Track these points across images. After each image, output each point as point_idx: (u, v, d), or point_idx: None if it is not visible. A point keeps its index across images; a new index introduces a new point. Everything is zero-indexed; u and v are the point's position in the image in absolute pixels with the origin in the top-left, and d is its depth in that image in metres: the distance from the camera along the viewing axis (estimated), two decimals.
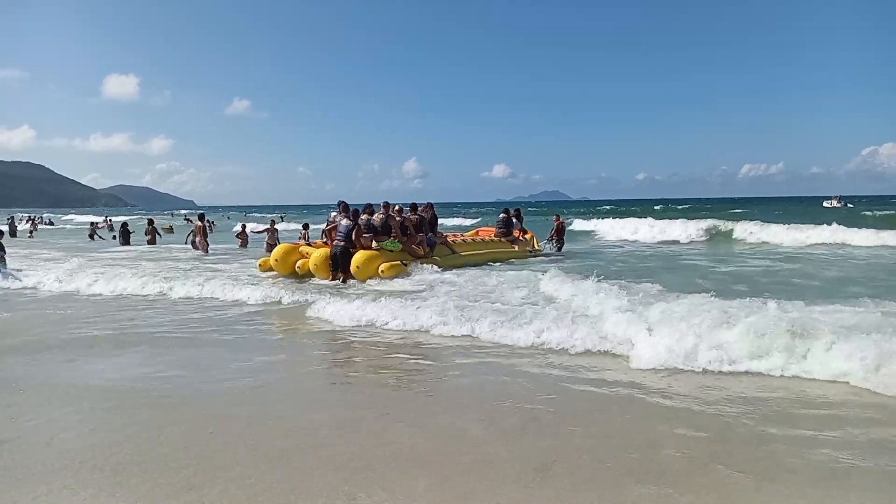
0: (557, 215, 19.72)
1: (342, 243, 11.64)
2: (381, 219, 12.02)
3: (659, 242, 23.78)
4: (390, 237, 11.97)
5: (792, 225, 22.34)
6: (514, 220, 16.81)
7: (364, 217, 12.37)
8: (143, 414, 4.49)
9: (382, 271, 11.21)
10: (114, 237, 24.97)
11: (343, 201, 13.27)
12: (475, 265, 13.45)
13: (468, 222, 45.08)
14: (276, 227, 20.20)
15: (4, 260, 14.44)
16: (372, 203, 12.85)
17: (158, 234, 25.21)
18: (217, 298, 10.09)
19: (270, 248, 17.62)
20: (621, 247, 22.27)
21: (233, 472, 3.44)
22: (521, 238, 16.54)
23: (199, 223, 19.63)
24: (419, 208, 13.44)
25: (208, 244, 19.24)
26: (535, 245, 17.38)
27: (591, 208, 68.23)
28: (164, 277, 11.44)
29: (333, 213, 13.30)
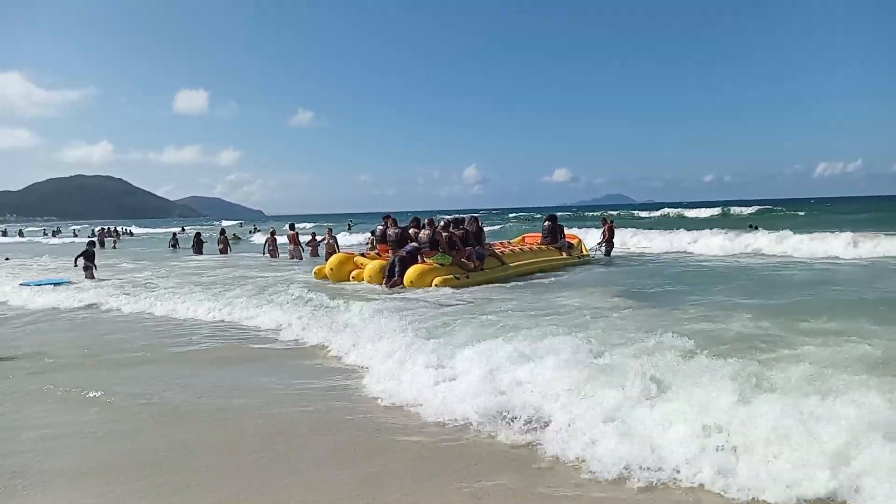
0: (605, 219, 19.61)
1: (403, 255, 12.25)
2: (427, 235, 12.53)
3: (727, 255, 18.78)
4: (438, 252, 12.41)
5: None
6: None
7: (412, 231, 13.17)
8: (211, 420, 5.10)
9: (436, 284, 11.54)
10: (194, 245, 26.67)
11: (389, 215, 14.43)
12: (525, 275, 13.58)
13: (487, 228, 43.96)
14: (333, 235, 21.30)
15: (92, 270, 15.73)
16: (419, 215, 13.54)
17: (230, 244, 26.76)
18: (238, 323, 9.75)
19: (329, 254, 18.94)
20: (677, 257, 19.17)
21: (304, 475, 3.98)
22: (569, 244, 16.65)
23: (291, 232, 21.51)
24: (466, 221, 13.87)
25: (302, 250, 21.30)
26: (584, 250, 17.32)
27: (655, 210, 65.75)
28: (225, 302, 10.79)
29: (380, 227, 14.28)
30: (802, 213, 50.92)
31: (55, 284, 14.30)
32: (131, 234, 60.80)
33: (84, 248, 16.64)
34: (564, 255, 16.04)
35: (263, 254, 22.14)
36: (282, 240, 22.84)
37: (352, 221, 69.14)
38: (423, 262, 12.31)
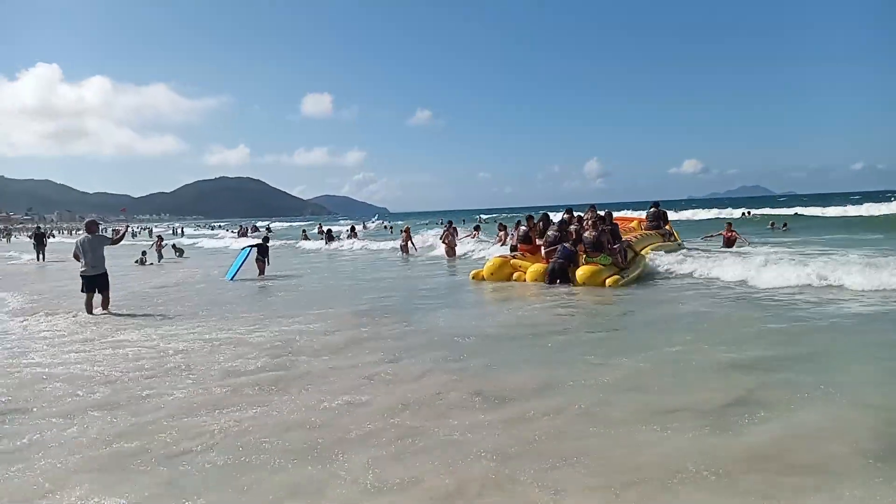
0: (729, 224, 20.31)
1: (562, 261, 12.57)
2: (593, 237, 12.70)
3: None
4: (602, 254, 12.60)
5: None
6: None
7: (550, 233, 13.63)
8: None
9: (609, 285, 11.83)
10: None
11: (531, 215, 15.39)
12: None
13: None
14: (455, 228, 21.99)
15: (265, 263, 17.02)
16: (540, 211, 13.74)
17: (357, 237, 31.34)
18: None
19: (450, 248, 20.58)
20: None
21: None
22: (668, 231, 17.64)
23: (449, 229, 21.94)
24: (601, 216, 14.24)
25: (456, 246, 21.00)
26: (677, 237, 18.16)
27: (796, 205, 59.82)
28: None
29: (523, 228, 15.28)
30: None
31: (243, 261, 16.56)
32: (269, 229, 65.30)
33: (264, 242, 17.65)
34: (669, 241, 16.87)
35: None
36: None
37: (479, 217, 70.80)
38: (587, 262, 12.62)
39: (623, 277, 12.21)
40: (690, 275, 12.70)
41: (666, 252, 14.63)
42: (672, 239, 17.48)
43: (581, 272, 12.24)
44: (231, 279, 15.82)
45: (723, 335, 7.24)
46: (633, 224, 17.92)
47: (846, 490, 3.35)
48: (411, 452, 4.04)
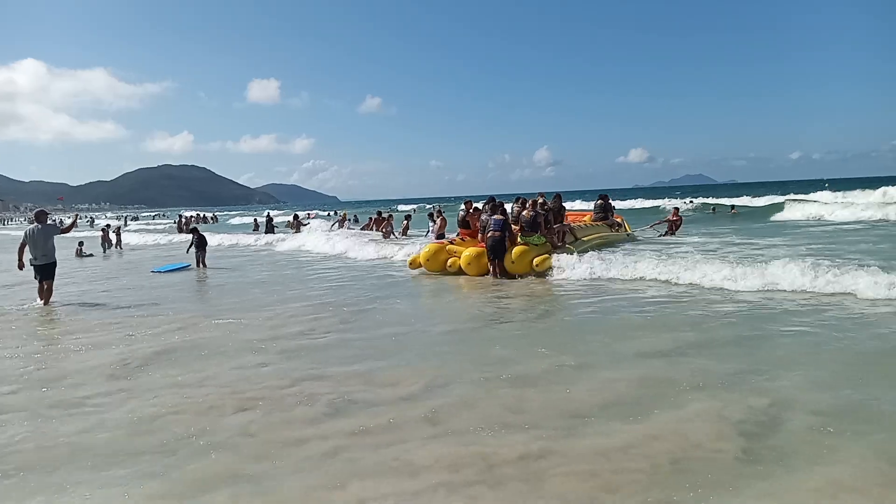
0: (676, 209, 21.34)
1: (497, 232, 12.04)
2: (531, 216, 12.40)
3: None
4: (537, 233, 12.37)
5: None
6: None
7: (484, 217, 13.03)
8: None
9: (537, 265, 11.76)
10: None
11: (469, 200, 15.13)
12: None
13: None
14: (389, 218, 22.76)
15: (204, 257, 16.33)
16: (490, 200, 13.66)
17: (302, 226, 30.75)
18: None
19: (385, 236, 21.18)
20: None
21: None
22: (616, 222, 17.82)
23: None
24: (548, 200, 13.93)
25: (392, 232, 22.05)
26: (628, 228, 18.46)
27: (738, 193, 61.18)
28: None
29: (461, 213, 14.64)
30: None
31: (181, 268, 15.71)
32: (216, 219, 63.28)
33: (194, 235, 16.84)
34: (617, 231, 17.27)
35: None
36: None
37: (435, 206, 70.61)
38: (522, 241, 12.38)
39: (551, 257, 12.08)
40: (628, 273, 11.43)
41: (613, 244, 14.67)
42: (620, 229, 17.66)
43: (515, 252, 12.03)
44: (157, 271, 15.34)
45: (645, 331, 6.99)
46: (587, 219, 17.81)
47: (705, 488, 3.23)
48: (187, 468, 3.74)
